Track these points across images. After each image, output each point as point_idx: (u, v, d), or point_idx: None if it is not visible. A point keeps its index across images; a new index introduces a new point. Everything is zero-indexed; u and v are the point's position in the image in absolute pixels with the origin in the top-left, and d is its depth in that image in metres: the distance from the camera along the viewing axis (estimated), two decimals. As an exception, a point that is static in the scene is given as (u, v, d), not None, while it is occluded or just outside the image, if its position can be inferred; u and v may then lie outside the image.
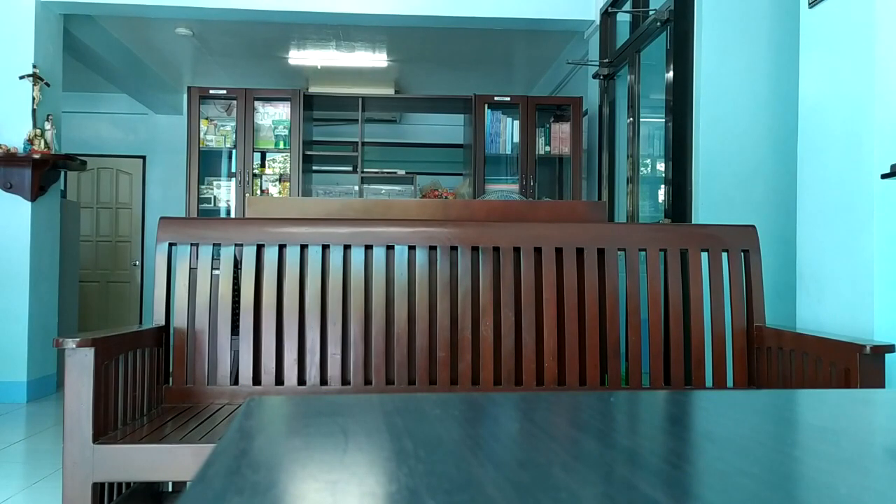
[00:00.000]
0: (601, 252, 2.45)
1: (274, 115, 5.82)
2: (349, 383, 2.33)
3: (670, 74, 3.61)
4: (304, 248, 2.38)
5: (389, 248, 2.39)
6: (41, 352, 5.04)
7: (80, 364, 1.86)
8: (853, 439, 0.78)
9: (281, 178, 5.85)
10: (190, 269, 2.35)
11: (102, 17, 5.76)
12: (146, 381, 2.17)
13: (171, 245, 2.35)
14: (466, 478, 0.59)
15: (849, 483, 0.61)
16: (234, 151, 5.78)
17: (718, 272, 2.45)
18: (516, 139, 5.85)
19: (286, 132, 5.78)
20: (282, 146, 5.80)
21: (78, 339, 1.86)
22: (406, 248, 2.40)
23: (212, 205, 5.79)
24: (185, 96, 5.98)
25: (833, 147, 2.52)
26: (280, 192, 5.79)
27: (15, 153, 4.76)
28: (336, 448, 0.68)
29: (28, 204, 4.89)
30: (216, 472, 0.58)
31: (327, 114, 6.76)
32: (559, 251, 2.43)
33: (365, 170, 6.18)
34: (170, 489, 2.41)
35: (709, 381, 2.44)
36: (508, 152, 5.92)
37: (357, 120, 6.14)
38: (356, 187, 6.21)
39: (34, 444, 3.67)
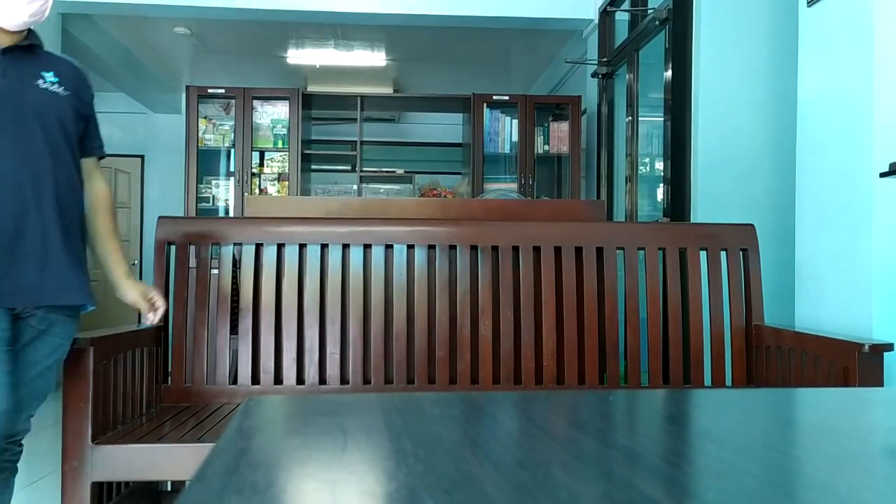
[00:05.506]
0: (600, 251, 2.45)
1: (272, 115, 5.81)
2: (348, 382, 2.33)
3: (669, 73, 3.61)
4: (302, 247, 2.38)
5: (388, 247, 2.39)
6: (40, 351, 5.01)
7: (79, 363, 1.85)
8: (852, 438, 0.78)
9: (279, 178, 5.84)
10: (188, 268, 2.34)
11: (100, 16, 5.75)
12: (145, 381, 2.17)
13: (169, 244, 2.35)
14: (465, 477, 0.59)
15: (848, 481, 0.61)
16: (232, 150, 5.77)
17: (717, 271, 2.45)
18: (515, 138, 5.84)
19: (285, 131, 5.77)
20: (280, 145, 5.79)
21: (77, 339, 1.86)
22: (405, 247, 2.40)
23: (210, 204, 5.78)
24: (184, 95, 5.97)
25: (832, 145, 2.52)
26: (279, 192, 5.78)
27: (13, 152, 4.74)
28: (335, 447, 0.68)
29: (26, 203, 4.86)
30: (215, 472, 0.58)
31: (326, 113, 6.75)
32: (558, 250, 2.43)
33: (364, 169, 6.17)
34: (169, 488, 2.41)
35: (708, 380, 2.44)
36: (507, 151, 5.91)
37: (356, 119, 6.13)
38: (355, 186, 6.20)
39: (33, 443, 3.65)
